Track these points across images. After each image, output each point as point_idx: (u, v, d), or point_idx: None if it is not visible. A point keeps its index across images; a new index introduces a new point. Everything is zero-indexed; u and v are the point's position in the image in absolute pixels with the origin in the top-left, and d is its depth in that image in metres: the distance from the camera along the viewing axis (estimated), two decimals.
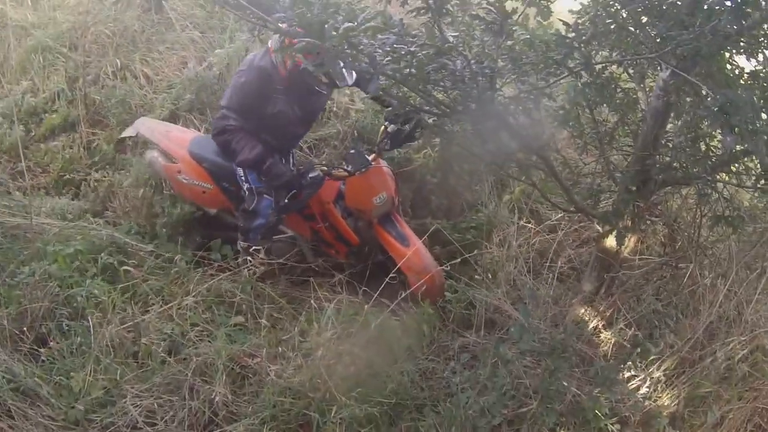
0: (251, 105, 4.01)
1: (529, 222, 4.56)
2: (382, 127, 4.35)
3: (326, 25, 2.64)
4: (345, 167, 4.20)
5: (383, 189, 4.31)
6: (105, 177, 5.03)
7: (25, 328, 3.44)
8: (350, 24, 2.57)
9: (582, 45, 2.77)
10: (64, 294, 3.63)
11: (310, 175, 4.14)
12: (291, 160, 4.56)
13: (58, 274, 3.73)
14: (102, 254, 3.97)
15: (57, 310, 3.56)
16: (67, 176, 5.30)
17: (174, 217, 4.54)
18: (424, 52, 2.67)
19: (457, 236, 4.55)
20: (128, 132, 4.73)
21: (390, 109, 4.21)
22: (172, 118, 5.06)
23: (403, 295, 3.61)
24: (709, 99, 2.80)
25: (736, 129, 2.71)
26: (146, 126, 4.68)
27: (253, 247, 4.11)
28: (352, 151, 4.26)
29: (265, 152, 4.05)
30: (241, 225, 4.30)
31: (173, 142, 4.51)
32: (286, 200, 4.24)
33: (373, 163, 4.23)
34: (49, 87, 5.79)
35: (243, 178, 4.23)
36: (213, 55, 5.29)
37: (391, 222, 4.41)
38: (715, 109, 2.68)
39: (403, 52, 2.66)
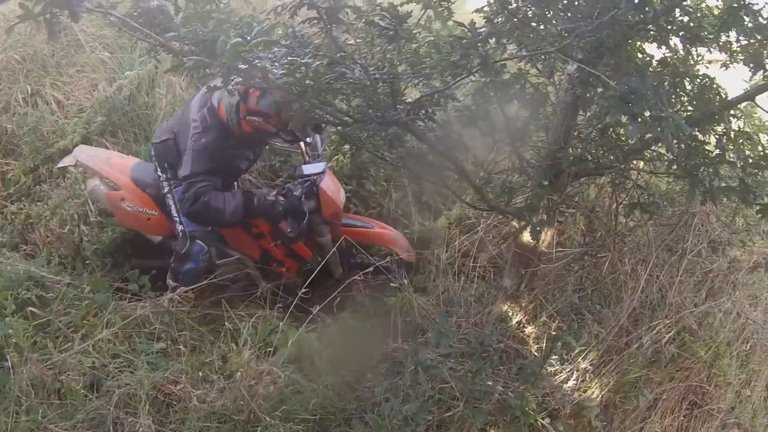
0: (219, 165, 3.94)
1: (450, 224, 4.58)
2: (301, 144, 4.36)
3: (218, 42, 2.60)
4: (304, 178, 4.17)
5: (340, 188, 4.35)
6: (21, 209, 4.84)
7: None
8: (239, 39, 2.52)
9: (479, 45, 2.76)
10: None
11: (295, 192, 4.09)
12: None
13: None
14: (19, 290, 3.83)
15: None
16: None
17: (104, 242, 4.47)
18: (318, 63, 2.63)
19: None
20: (66, 161, 4.55)
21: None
22: (85, 142, 4.90)
23: (325, 302, 3.58)
24: (610, 89, 2.82)
25: (639, 118, 2.76)
26: (86, 154, 4.52)
27: (179, 289, 4.03)
28: (303, 165, 4.24)
29: (246, 194, 4.01)
30: (172, 265, 4.21)
31: (115, 168, 4.38)
32: (295, 227, 4.18)
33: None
34: None
35: (177, 219, 4.16)
36: (123, 77, 5.16)
37: (346, 218, 4.46)
38: (617, 98, 2.71)
39: (297, 64, 2.62)
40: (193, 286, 4.04)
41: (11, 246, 4.64)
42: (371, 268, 3.80)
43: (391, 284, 3.97)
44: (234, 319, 3.64)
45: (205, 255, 4.14)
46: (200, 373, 3.43)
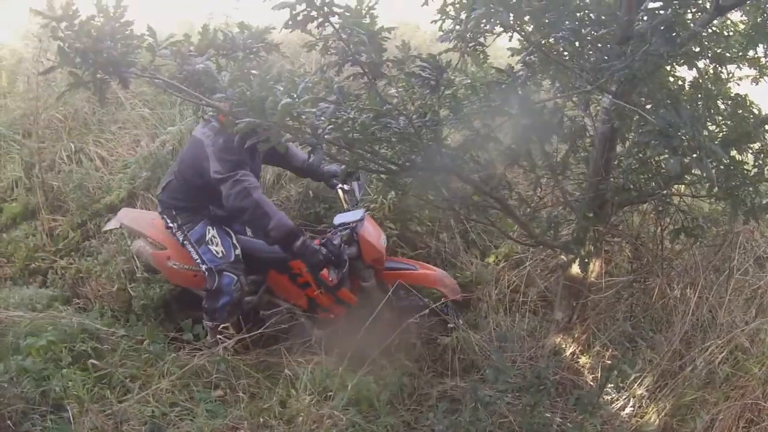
0: (245, 159, 3.98)
1: (498, 261, 4.62)
2: (339, 191, 4.46)
3: (266, 102, 2.67)
4: (343, 227, 4.23)
5: (381, 233, 4.38)
6: (71, 264, 4.99)
7: (8, 427, 3.35)
8: (289, 100, 2.60)
9: (519, 88, 2.83)
10: (40, 389, 3.55)
11: (335, 241, 4.12)
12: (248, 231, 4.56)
13: (33, 368, 3.65)
14: (75, 342, 3.91)
15: (35, 407, 3.47)
16: (33, 265, 5.24)
17: (152, 298, 4.54)
18: (364, 116, 2.71)
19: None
20: (111, 224, 4.68)
21: (338, 171, 4.32)
22: (131, 198, 5.07)
23: (381, 348, 3.63)
24: (648, 123, 2.86)
25: (679, 150, 2.79)
26: (129, 217, 4.65)
27: (222, 326, 4.10)
28: (341, 213, 4.33)
29: (297, 228, 4.02)
30: (206, 306, 4.24)
31: (158, 229, 4.48)
32: (337, 275, 4.14)
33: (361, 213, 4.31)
34: (5, 175, 5.75)
35: (199, 260, 4.20)
36: (165, 132, 5.30)
37: (390, 261, 4.45)
38: (656, 132, 2.75)
39: (344, 119, 2.70)
40: (230, 321, 4.14)
41: (63, 300, 4.78)
42: (426, 311, 3.84)
43: (447, 324, 4.01)
44: (292, 365, 3.69)
45: (237, 284, 4.14)
46: (260, 419, 3.46)
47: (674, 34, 2.91)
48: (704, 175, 3.27)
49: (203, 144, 3.99)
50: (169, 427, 3.48)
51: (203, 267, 4.19)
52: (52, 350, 3.83)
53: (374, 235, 4.26)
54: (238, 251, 4.21)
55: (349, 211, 4.37)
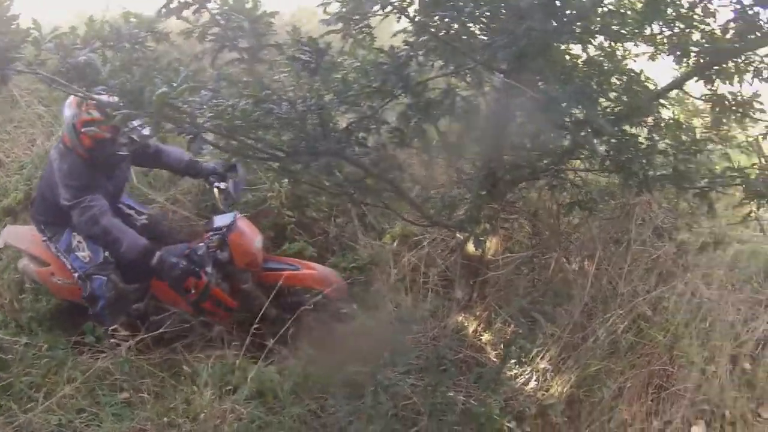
0: (89, 182, 3.94)
1: (394, 240, 4.64)
2: (215, 190, 4.38)
3: (145, 92, 2.61)
4: (215, 231, 4.21)
5: (256, 234, 4.33)
6: None
7: None
8: (165, 89, 2.54)
9: (400, 68, 2.83)
10: None
11: (199, 252, 4.12)
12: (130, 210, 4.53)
13: None
14: None
15: None
16: None
17: (40, 312, 4.47)
18: (244, 102, 2.67)
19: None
20: None
21: (217, 168, 4.34)
22: (27, 199, 4.89)
23: (272, 342, 3.61)
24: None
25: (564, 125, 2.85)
26: (13, 234, 4.58)
27: (111, 327, 4.05)
28: (213, 218, 4.34)
29: (152, 245, 3.99)
30: (91, 313, 4.19)
31: (40, 246, 4.41)
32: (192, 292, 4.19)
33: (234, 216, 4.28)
34: None
35: (71, 269, 4.16)
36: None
37: (270, 262, 4.42)
38: (539, 106, 2.80)
39: (224, 106, 2.66)
40: (117, 322, 4.11)
41: None
42: (303, 307, 3.89)
43: (342, 311, 4.01)
44: (192, 363, 3.64)
45: (108, 285, 4.10)
46: (165, 419, 3.42)
47: (557, 10, 2.95)
48: (590, 150, 3.37)
49: (53, 168, 4.01)
50: None
51: (75, 275, 4.15)
52: None
53: (247, 238, 4.26)
54: (106, 252, 4.14)
55: (225, 213, 4.34)
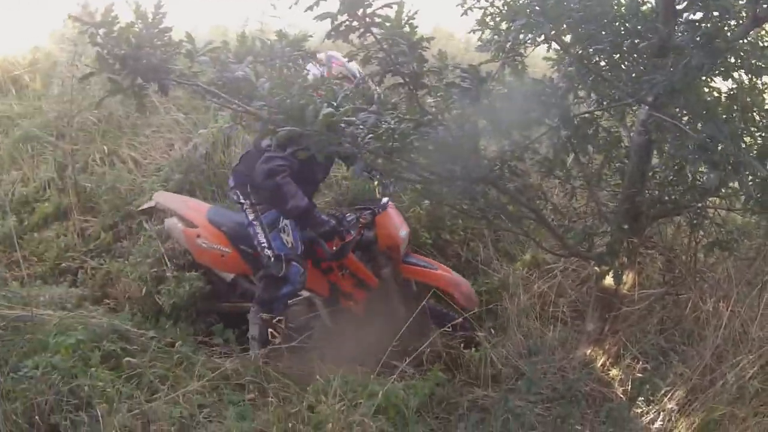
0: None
1: (528, 270, 4.61)
2: (375, 180, 4.49)
3: (306, 110, 2.69)
4: (367, 208, 4.33)
5: (404, 224, 4.44)
6: (102, 265, 5.04)
7: (35, 421, 3.35)
8: (330, 109, 2.62)
9: (558, 100, 2.82)
10: (69, 385, 3.52)
11: (348, 218, 4.19)
12: None
13: (62, 365, 3.63)
14: (104, 342, 3.92)
15: (63, 403, 3.45)
16: (63, 264, 5.26)
17: (181, 296, 4.55)
18: (404, 125, 2.72)
19: None
20: (147, 204, 4.85)
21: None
22: None
23: (410, 357, 3.64)
24: (688, 135, 2.86)
25: (719, 164, 2.78)
26: (164, 197, 4.79)
27: (276, 318, 4.10)
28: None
29: (311, 203, 4.06)
30: (264, 295, 4.21)
31: (192, 209, 4.61)
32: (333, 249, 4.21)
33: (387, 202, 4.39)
34: (38, 176, 5.80)
35: (266, 245, 4.15)
36: (197, 135, 5.35)
37: (411, 257, 4.51)
38: (696, 146, 2.74)
39: (384, 128, 2.71)
40: (284, 314, 4.16)
41: (93, 300, 4.80)
42: (450, 324, 3.89)
43: (471, 336, 4.02)
44: (323, 371, 3.71)
45: (303, 275, 4.16)
46: (288, 424, 3.48)
47: (714, 46, 2.90)
48: (742, 189, 3.27)
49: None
50: (197, 428, 3.47)
51: (268, 253, 4.15)
52: (81, 349, 3.82)
53: (393, 222, 4.34)
54: (303, 247, 4.22)
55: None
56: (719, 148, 2.78)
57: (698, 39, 2.93)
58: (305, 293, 4.50)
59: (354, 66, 3.95)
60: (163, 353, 4.02)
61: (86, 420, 3.38)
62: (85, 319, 4.17)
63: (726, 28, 3.17)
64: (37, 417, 3.37)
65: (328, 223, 4.01)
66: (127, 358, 3.81)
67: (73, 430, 3.37)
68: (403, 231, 4.39)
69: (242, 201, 4.23)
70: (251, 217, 4.21)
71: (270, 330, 4.09)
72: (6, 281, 4.86)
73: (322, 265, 4.43)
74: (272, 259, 4.13)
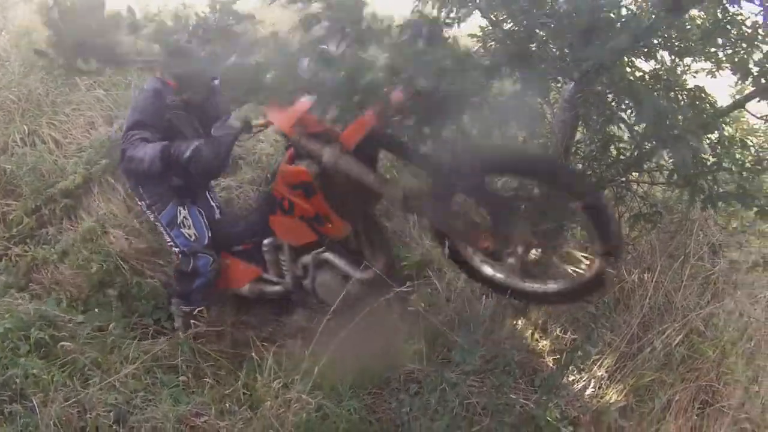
0: (150, 119, 3.74)
1: None
2: None
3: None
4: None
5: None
6: (26, 252, 4.84)
7: None
8: None
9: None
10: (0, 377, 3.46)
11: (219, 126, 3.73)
12: (213, 203, 4.40)
13: None
14: (32, 330, 3.82)
15: None
16: None
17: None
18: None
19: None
20: None
21: None
22: (86, 183, 4.95)
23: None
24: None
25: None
26: None
27: (196, 310, 4.05)
28: None
29: (163, 143, 3.66)
30: (179, 289, 4.16)
31: None
32: None
33: None
34: None
35: (171, 243, 4.10)
36: (119, 114, 5.19)
37: None
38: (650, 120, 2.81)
39: None
40: (203, 305, 4.06)
41: (18, 287, 4.60)
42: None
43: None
44: (259, 350, 3.69)
45: (214, 264, 4.08)
46: (226, 404, 3.46)
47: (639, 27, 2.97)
48: (672, 162, 3.39)
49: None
50: (134, 413, 3.42)
51: (176, 250, 4.10)
52: (9, 338, 3.73)
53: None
54: (209, 233, 4.11)
55: None
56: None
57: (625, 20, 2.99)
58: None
59: None
60: (92, 339, 3.93)
61: (21, 411, 3.32)
62: (11, 306, 4.05)
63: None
64: None
65: (200, 147, 3.60)
66: (62, 343, 3.73)
67: (8, 422, 3.31)
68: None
69: (139, 203, 4.16)
70: (152, 218, 4.14)
71: (192, 321, 4.03)
72: None
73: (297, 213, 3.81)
74: (180, 255, 4.10)
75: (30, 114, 5.49)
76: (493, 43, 3.61)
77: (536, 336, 3.91)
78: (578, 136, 3.77)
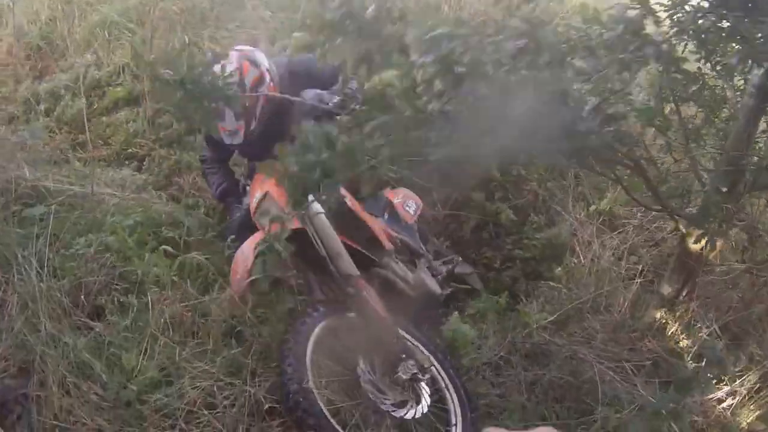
0: None
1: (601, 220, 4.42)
2: None
3: None
4: None
5: None
6: (171, 154, 4.95)
7: (80, 300, 3.32)
8: None
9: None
10: (121, 268, 3.51)
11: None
12: None
13: (116, 246, 3.60)
14: (163, 228, 3.88)
15: (113, 285, 3.44)
16: (130, 150, 5.16)
17: None
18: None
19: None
20: None
21: None
22: None
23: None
24: None
25: None
26: None
27: None
28: None
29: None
30: None
31: None
32: None
33: None
34: (113, 61, 5.69)
35: None
36: (291, 37, 5.12)
37: None
38: None
39: None
40: None
41: (157, 187, 4.70)
42: None
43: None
44: None
45: None
46: None
47: None
48: None
49: None
50: (248, 326, 3.37)
51: None
52: (138, 232, 3.77)
53: None
54: None
55: None
56: None
57: None
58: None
59: (260, 56, 3.81)
60: (220, 250, 3.87)
61: (136, 304, 3.33)
62: (146, 203, 4.11)
63: None
64: (83, 297, 3.34)
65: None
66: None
67: (119, 313, 3.32)
68: None
69: None
70: None
71: None
72: (68, 161, 4.81)
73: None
74: None
75: (192, 26, 5.58)
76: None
77: (678, 333, 3.64)
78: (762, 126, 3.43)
